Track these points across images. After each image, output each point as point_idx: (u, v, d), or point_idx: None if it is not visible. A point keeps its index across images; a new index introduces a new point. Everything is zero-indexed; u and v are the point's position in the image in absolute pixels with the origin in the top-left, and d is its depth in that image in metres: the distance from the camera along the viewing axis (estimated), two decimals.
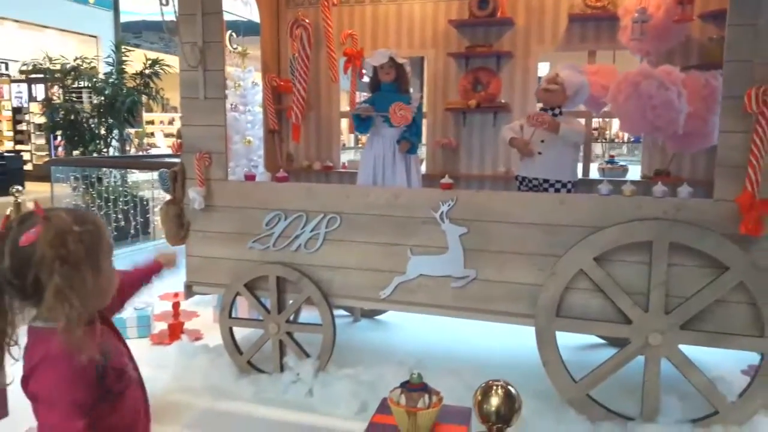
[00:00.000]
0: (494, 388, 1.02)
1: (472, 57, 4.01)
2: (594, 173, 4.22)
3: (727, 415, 2.67)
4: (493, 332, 3.86)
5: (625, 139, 20.42)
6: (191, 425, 2.89)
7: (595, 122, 20.45)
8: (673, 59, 3.50)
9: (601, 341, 3.83)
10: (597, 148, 18.37)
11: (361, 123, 3.42)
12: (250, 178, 3.33)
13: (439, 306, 3.05)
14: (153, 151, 14.55)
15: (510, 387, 1.02)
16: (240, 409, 3.03)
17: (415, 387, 2.20)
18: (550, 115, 3.25)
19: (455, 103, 4.00)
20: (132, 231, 6.64)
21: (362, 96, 4.26)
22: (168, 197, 3.45)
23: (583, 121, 3.79)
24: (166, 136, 16.57)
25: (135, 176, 7.35)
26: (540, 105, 3.42)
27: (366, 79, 3.80)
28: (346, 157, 5.76)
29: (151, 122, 17.12)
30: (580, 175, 3.79)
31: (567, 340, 3.04)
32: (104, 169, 6.77)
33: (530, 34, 3.95)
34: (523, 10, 3.95)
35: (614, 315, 2.77)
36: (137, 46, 13.90)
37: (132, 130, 9.77)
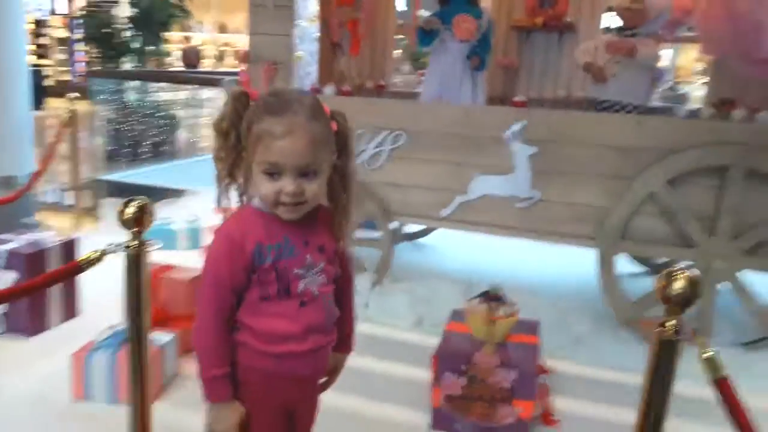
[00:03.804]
0: (678, 272, 1.08)
1: None
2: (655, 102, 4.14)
3: None
4: (535, 258, 3.93)
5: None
6: None
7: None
8: None
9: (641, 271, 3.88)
10: None
11: (425, 36, 3.33)
12: (314, 91, 3.30)
13: (501, 226, 3.07)
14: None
15: (696, 271, 1.09)
16: None
17: (493, 297, 2.26)
18: (627, 35, 3.16)
19: (521, 20, 3.88)
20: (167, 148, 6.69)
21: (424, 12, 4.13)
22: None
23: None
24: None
25: (165, 95, 7.31)
26: (617, 23, 3.31)
27: None
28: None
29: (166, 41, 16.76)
30: None
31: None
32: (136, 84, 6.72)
33: None
34: None
35: (679, 239, 2.79)
36: None
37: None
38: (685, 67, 13.38)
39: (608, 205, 2.85)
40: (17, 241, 2.74)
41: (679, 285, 1.08)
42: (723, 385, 1.12)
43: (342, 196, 1.32)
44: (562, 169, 2.91)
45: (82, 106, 5.28)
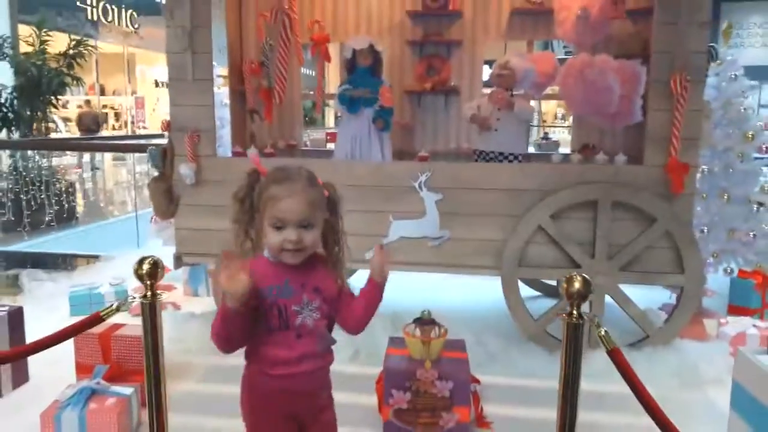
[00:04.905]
0: (575, 276, 1.51)
1: (426, 45, 4.47)
2: (530, 149, 4.82)
3: (655, 338, 3.32)
4: (451, 290, 4.37)
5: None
6: (203, 380, 3.15)
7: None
8: (597, 50, 4.11)
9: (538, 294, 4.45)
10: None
11: (351, 103, 3.77)
12: (237, 154, 3.59)
13: (418, 263, 3.48)
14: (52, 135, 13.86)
15: (586, 276, 1.52)
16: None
17: (426, 322, 2.65)
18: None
19: (413, 86, 4.45)
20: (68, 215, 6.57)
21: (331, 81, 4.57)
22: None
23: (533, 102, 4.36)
24: (64, 119, 15.74)
25: (60, 160, 7.20)
26: (493, 88, 3.92)
27: (331, 62, 4.13)
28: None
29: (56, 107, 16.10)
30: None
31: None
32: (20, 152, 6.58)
33: (476, 25, 4.45)
34: (470, 4, 4.44)
35: (566, 262, 3.34)
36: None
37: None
38: (549, 112, 15.21)
39: (505, 239, 3.36)
40: None
41: (577, 284, 1.53)
42: (616, 354, 1.55)
43: (334, 248, 1.67)
44: (465, 210, 3.40)
45: None
